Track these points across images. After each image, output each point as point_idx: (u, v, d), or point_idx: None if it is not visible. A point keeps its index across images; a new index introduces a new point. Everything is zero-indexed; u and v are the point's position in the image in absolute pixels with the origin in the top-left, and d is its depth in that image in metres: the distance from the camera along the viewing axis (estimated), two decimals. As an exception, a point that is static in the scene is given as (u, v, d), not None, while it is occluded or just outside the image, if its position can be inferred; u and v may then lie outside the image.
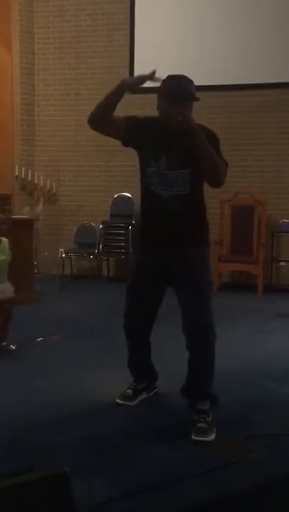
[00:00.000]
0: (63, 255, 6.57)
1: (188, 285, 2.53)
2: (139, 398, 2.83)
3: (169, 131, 2.43)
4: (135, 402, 2.80)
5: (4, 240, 3.66)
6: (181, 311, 2.58)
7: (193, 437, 2.44)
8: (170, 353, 3.26)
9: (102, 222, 6.56)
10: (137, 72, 6.57)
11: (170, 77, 2.44)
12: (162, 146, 2.48)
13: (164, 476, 2.13)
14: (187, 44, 6.31)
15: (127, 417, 2.69)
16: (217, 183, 2.45)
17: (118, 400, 2.80)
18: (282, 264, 6.31)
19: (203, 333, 2.54)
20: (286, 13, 6.09)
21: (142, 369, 2.88)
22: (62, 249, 6.53)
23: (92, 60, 6.75)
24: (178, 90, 2.39)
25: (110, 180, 6.72)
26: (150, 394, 2.90)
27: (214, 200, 5.73)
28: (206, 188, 2.75)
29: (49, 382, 3.14)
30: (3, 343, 3.65)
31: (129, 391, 2.83)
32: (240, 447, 2.36)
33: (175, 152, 2.46)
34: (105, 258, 6.70)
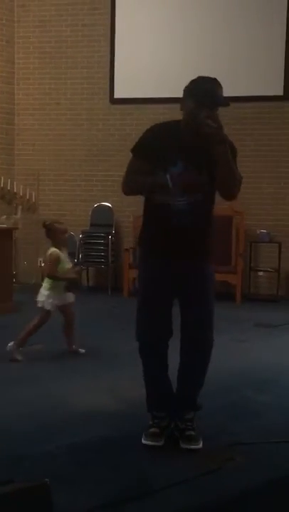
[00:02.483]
0: (42, 264, 6.52)
1: (198, 301, 2.42)
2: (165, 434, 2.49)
3: (191, 135, 2.28)
4: (163, 442, 2.45)
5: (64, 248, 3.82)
6: (185, 321, 2.44)
7: (183, 446, 2.41)
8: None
9: (82, 232, 6.55)
10: (117, 83, 6.65)
11: (203, 79, 2.31)
12: (179, 151, 2.32)
13: (146, 485, 2.13)
14: (168, 55, 6.39)
15: (108, 427, 2.68)
16: (231, 195, 2.36)
17: (144, 441, 2.45)
18: (260, 273, 6.39)
19: (206, 351, 2.49)
20: (268, 28, 6.22)
21: (167, 398, 2.53)
22: (41, 259, 6.49)
23: (72, 70, 6.78)
24: (210, 93, 2.26)
25: (90, 190, 6.73)
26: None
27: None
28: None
29: (30, 392, 3.11)
30: (74, 346, 3.81)
31: (155, 429, 2.47)
32: (221, 456, 2.37)
33: (193, 158, 2.31)
34: (85, 267, 6.68)
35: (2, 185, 6.67)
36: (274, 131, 6.27)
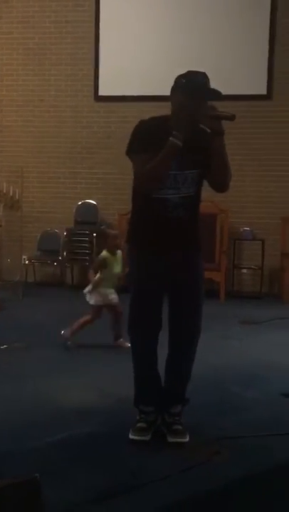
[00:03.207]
0: (26, 262, 6.50)
1: (190, 286, 2.46)
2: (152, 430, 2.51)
3: (184, 129, 2.28)
4: (150, 437, 2.48)
5: (118, 252, 4.02)
6: (174, 310, 2.48)
7: (171, 440, 2.45)
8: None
9: (67, 229, 6.53)
10: (101, 81, 6.64)
11: (195, 73, 2.32)
12: None
13: (135, 479, 2.15)
14: (152, 53, 6.40)
15: (95, 423, 2.69)
16: (225, 186, 2.41)
17: (132, 436, 2.47)
18: (244, 271, 6.46)
19: (195, 342, 2.53)
20: (252, 28, 6.27)
21: (156, 393, 2.54)
22: (25, 256, 6.46)
23: (56, 67, 6.75)
24: (203, 86, 2.30)
25: (75, 187, 6.71)
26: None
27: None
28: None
29: (14, 390, 3.10)
30: (120, 340, 3.96)
31: (143, 424, 2.50)
32: (207, 449, 2.40)
33: (186, 152, 2.31)
34: (69, 265, 6.67)
35: (-15, 182, 6.61)
36: (257, 130, 6.33)
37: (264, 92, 6.31)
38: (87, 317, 4.04)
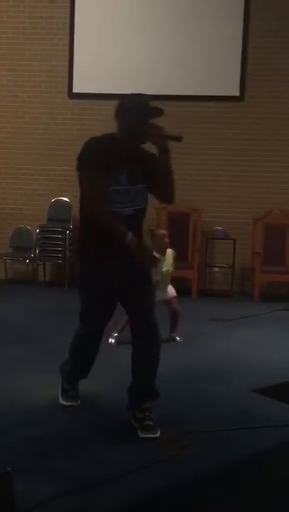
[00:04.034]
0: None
1: (141, 289, 2.63)
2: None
3: (134, 147, 2.55)
4: (79, 402, 2.88)
5: (169, 251, 4.17)
6: (133, 314, 2.69)
7: (142, 435, 2.54)
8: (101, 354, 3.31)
9: (39, 226, 6.50)
10: (76, 78, 6.62)
11: (138, 95, 2.59)
12: (124, 162, 2.54)
13: (106, 472, 2.18)
14: (127, 52, 6.42)
15: (66, 418, 2.71)
16: (171, 198, 2.68)
17: (63, 402, 2.86)
18: (216, 269, 6.54)
19: (155, 332, 2.65)
20: (225, 28, 6.36)
21: (87, 372, 2.94)
22: (-2, 253, 6.41)
23: (30, 62, 6.69)
24: (147, 106, 2.52)
25: (48, 184, 6.68)
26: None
27: (150, 208, 5.84)
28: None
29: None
30: (172, 334, 4.20)
31: (74, 392, 2.91)
32: (178, 443, 2.45)
33: (136, 168, 2.55)
34: (41, 262, 6.64)
35: None
36: (230, 130, 6.43)
37: (237, 93, 6.41)
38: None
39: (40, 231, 6.48)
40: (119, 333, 4.01)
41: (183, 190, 6.50)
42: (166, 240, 4.18)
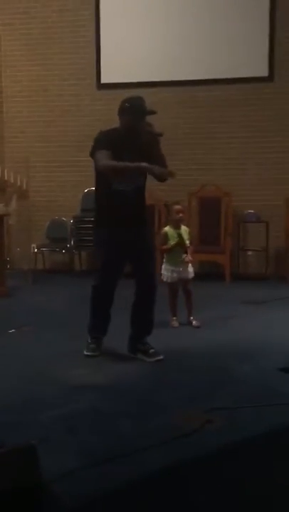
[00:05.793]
0: (35, 250, 6.65)
1: (144, 249, 3.40)
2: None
3: (135, 138, 3.25)
4: (100, 353, 3.47)
5: (184, 228, 4.27)
6: (137, 267, 3.40)
7: (150, 359, 3.32)
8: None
9: (73, 217, 6.65)
10: (103, 68, 6.70)
11: (136, 98, 3.33)
12: (125, 148, 3.23)
13: (130, 446, 2.28)
14: (153, 39, 6.43)
15: (95, 398, 2.82)
16: (164, 180, 3.35)
17: (85, 353, 3.44)
18: (249, 253, 6.52)
19: (153, 278, 3.42)
20: (248, 10, 6.28)
21: (107, 325, 3.56)
22: (34, 245, 6.60)
23: (59, 56, 6.82)
24: (142, 107, 3.25)
25: (79, 176, 6.80)
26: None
27: (182, 193, 5.89)
28: (175, 181, 3.66)
29: (22, 369, 3.25)
30: (190, 318, 4.24)
31: (94, 345, 3.50)
32: (201, 419, 2.52)
33: (136, 153, 3.22)
34: (77, 252, 6.80)
35: (-7, 172, 6.75)
36: (259, 112, 6.35)
37: (265, 73, 6.32)
38: (169, 297, 4.23)
39: (75, 221, 6.63)
40: (173, 314, 4.24)
41: (212, 175, 6.51)
42: (181, 214, 4.21)
